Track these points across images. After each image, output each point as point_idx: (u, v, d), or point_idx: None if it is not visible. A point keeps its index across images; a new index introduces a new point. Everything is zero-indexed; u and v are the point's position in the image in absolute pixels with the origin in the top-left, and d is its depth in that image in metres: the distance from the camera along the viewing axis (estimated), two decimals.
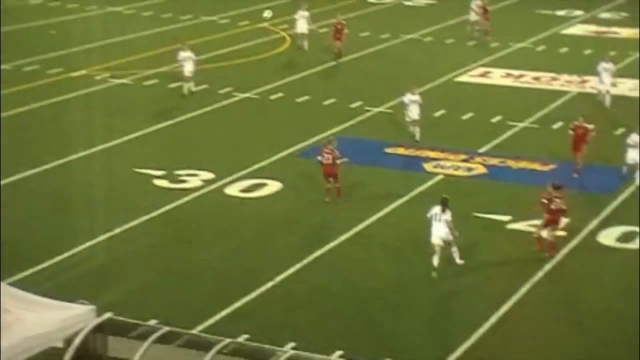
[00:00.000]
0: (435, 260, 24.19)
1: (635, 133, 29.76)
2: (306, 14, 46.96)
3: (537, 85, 41.90)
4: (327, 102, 39.05)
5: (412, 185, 30.21)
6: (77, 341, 17.70)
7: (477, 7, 49.93)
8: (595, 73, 38.96)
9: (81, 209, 28.12)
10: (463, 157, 32.68)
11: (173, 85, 40.80)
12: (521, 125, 36.21)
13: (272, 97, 39.99)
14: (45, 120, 36.93)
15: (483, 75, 43.69)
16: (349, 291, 23.76)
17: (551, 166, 31.66)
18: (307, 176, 30.90)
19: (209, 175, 31.09)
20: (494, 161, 32.27)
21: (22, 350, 17.20)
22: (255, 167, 31.84)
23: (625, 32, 51.77)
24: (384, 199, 29.04)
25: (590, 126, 31.12)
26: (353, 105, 38.41)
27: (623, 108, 38.03)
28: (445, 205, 24.34)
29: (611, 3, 59.44)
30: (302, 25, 46.82)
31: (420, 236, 26.25)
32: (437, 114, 37.22)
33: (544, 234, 25.44)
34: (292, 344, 20.61)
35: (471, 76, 43.47)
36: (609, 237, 26.58)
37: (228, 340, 17.31)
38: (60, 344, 18.34)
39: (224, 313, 22.49)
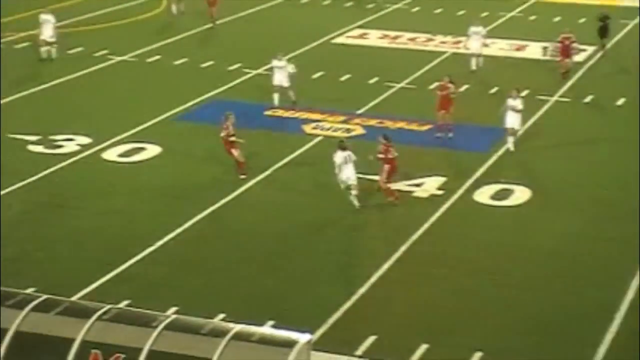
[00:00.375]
0: (355, 200, 25.94)
1: (512, 98, 30.08)
2: None
3: (413, 46, 42.41)
4: (204, 65, 38.77)
5: (292, 146, 30.33)
6: None
7: None
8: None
9: None
10: (342, 118, 32.93)
11: (48, 47, 39.88)
12: (398, 86, 36.65)
13: (149, 59, 39.48)
14: None
15: (360, 36, 43.98)
16: (230, 254, 23.79)
17: (428, 126, 32.17)
18: (186, 140, 30.71)
19: (85, 140, 30.60)
20: (372, 122, 32.61)
21: None
22: (134, 131, 31.47)
23: None
24: (264, 161, 29.08)
25: (451, 85, 31.49)
26: (231, 68, 38.24)
27: (495, 68, 38.87)
28: (347, 148, 26.15)
29: None
30: None
31: (301, 197, 26.48)
32: (315, 75, 37.36)
33: (390, 184, 26.43)
34: (175, 308, 20.59)
35: (348, 37, 43.71)
36: (484, 195, 27.21)
37: (109, 306, 17.14)
38: None
39: (104, 279, 22.29)
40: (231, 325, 16.77)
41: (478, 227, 25.46)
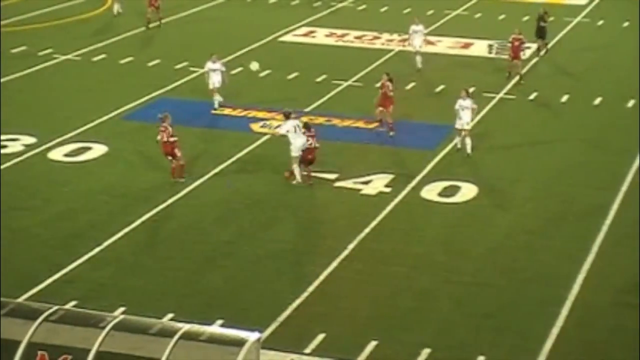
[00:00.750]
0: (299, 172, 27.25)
1: (462, 98, 30.11)
2: None
3: (360, 44, 42.55)
4: (151, 64, 38.56)
5: (240, 145, 30.27)
6: None
7: None
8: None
9: None
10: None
11: None
12: (345, 84, 36.74)
13: (94, 58, 39.17)
14: None
15: (307, 34, 44.02)
16: (178, 253, 23.69)
17: (375, 124, 32.27)
18: (133, 139, 30.51)
19: (30, 140, 30.29)
20: (320, 120, 32.64)
21: None
22: (80, 130, 31.21)
23: None
24: (211, 160, 28.99)
25: (389, 83, 31.57)
26: (178, 66, 38.08)
27: (442, 66, 39.13)
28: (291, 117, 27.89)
29: None
30: None
31: (248, 196, 26.45)
32: (263, 74, 37.30)
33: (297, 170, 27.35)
34: (122, 309, 20.46)
35: (295, 36, 43.73)
36: (431, 192, 27.36)
37: (56, 307, 16.98)
38: None
39: (50, 280, 22.08)
40: (180, 324, 16.69)
41: (426, 224, 25.60)
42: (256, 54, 39.25)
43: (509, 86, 36.73)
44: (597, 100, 35.11)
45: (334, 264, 23.24)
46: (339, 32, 44.20)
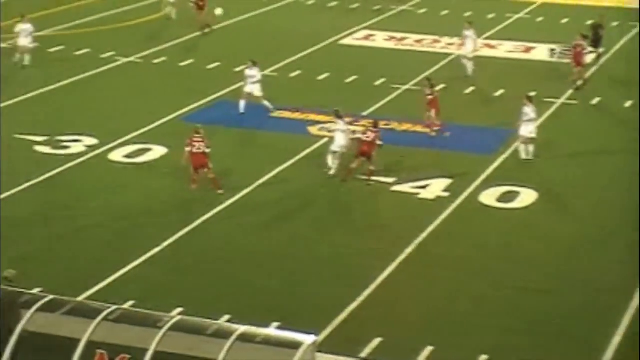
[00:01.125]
0: (333, 163, 27.88)
1: (526, 106, 29.88)
2: None
3: (419, 48, 42.39)
4: (211, 66, 38.79)
5: (298, 148, 30.33)
6: None
7: None
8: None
9: None
10: (348, 120, 32.84)
11: (55, 48, 39.99)
12: (404, 87, 36.62)
13: (155, 61, 39.52)
14: None
15: (366, 38, 43.98)
16: (235, 255, 23.80)
17: (435, 128, 32.09)
18: None
19: (92, 141, 30.64)
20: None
21: None
22: (140, 132, 31.50)
23: None
24: (270, 163, 29.08)
25: (430, 90, 31.54)
26: (237, 69, 38.23)
27: (502, 70, 38.84)
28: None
29: None
30: None
31: (309, 196, 26.48)
32: (321, 77, 37.35)
33: (355, 164, 27.66)
34: (179, 309, 20.60)
35: (354, 39, 43.71)
36: (490, 197, 27.17)
37: (114, 307, 17.16)
38: None
39: (109, 280, 22.30)
40: (236, 326, 16.78)
41: (484, 229, 25.44)
42: (315, 57, 39.28)
43: (570, 91, 36.32)
44: None
45: (391, 268, 23.19)
46: (399, 35, 44.09)
